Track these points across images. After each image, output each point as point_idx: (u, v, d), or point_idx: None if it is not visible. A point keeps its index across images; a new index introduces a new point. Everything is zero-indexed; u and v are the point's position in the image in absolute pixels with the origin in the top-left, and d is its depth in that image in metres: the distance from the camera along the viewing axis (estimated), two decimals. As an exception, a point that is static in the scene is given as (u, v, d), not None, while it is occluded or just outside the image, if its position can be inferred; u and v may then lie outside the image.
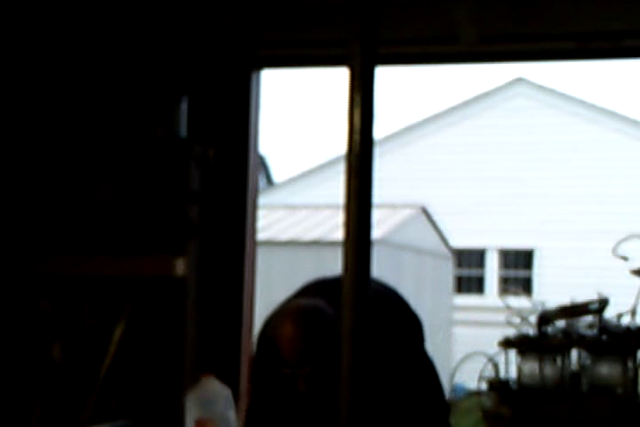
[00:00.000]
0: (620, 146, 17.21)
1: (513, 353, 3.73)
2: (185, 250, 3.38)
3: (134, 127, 3.47)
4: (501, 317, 3.96)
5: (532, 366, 3.63)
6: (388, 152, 17.63)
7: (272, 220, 13.82)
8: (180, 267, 3.34)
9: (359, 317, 1.36)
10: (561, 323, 3.69)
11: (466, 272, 18.13)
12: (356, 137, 1.38)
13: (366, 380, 1.36)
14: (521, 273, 18.04)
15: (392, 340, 2.34)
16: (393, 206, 13.88)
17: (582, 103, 17.86)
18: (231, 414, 2.68)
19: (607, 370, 3.55)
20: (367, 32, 1.39)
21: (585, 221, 17.05)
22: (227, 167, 3.59)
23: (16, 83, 3.63)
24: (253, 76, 3.67)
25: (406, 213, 14.38)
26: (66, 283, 3.44)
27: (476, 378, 3.79)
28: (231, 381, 2.94)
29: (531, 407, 3.59)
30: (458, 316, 16.08)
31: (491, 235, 17.68)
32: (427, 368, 2.46)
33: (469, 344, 10.09)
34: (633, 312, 3.67)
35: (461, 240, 16.97)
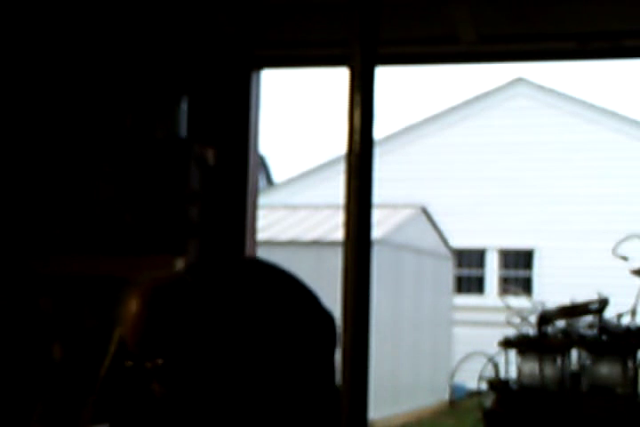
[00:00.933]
0: (620, 146, 17.21)
1: (513, 353, 3.72)
2: (185, 250, 3.38)
3: (134, 127, 3.46)
4: (501, 317, 3.96)
5: (531, 366, 3.63)
6: (388, 152, 17.64)
7: (272, 220, 13.83)
8: (180, 267, 3.34)
9: (359, 317, 1.36)
10: (561, 323, 3.69)
11: (466, 272, 18.14)
12: (356, 137, 1.38)
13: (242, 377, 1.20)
14: (521, 273, 18.04)
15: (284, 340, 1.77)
16: (393, 206, 13.89)
17: (582, 103, 17.87)
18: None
19: (607, 370, 3.55)
20: (367, 32, 1.38)
21: (585, 221, 17.05)
22: (227, 167, 3.59)
23: (15, 83, 3.63)
24: (253, 76, 3.67)
25: (406, 213, 14.39)
26: (66, 283, 3.44)
27: (476, 378, 3.79)
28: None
29: (531, 407, 3.59)
30: (458, 316, 16.09)
31: (491, 235, 17.69)
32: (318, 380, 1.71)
33: (469, 344, 10.10)
34: (633, 312, 3.67)
35: (461, 240, 16.98)
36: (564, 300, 3.79)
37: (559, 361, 3.61)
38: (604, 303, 3.66)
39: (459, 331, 15.81)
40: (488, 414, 3.65)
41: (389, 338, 12.94)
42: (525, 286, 17.40)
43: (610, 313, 3.68)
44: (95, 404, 3.32)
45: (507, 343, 3.71)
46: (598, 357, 3.57)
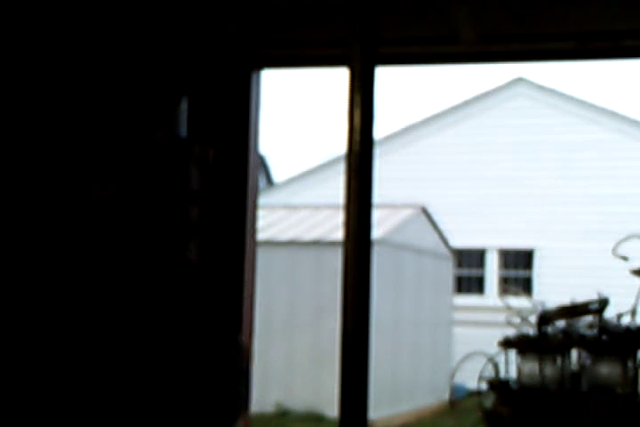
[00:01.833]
0: (620, 146, 17.22)
1: (513, 353, 3.72)
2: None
3: (134, 127, 3.46)
4: (501, 317, 3.96)
5: (531, 366, 3.63)
6: (388, 152, 17.64)
7: (272, 220, 13.83)
8: (180, 267, 3.34)
9: (359, 317, 1.36)
10: (561, 323, 3.69)
11: (466, 272, 18.14)
12: (356, 137, 1.38)
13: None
14: (521, 273, 18.04)
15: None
16: (393, 206, 13.89)
17: (582, 103, 17.88)
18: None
19: (607, 370, 3.55)
20: (367, 32, 1.39)
21: (585, 221, 17.06)
22: (227, 167, 3.59)
23: (15, 83, 3.63)
24: (253, 76, 3.67)
25: (406, 213, 14.40)
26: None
27: (476, 378, 3.79)
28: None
29: (531, 407, 3.59)
30: (458, 316, 16.10)
31: (491, 235, 17.69)
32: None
33: (469, 344, 10.09)
34: (633, 312, 3.67)
35: (461, 240, 16.98)
36: (564, 300, 3.79)
37: (559, 361, 3.61)
38: (604, 303, 3.66)
39: (459, 331, 15.80)
40: (488, 414, 3.65)
41: (389, 338, 12.95)
42: (525, 286, 17.40)
43: (610, 313, 3.68)
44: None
45: (507, 343, 3.71)
46: (598, 357, 3.57)
